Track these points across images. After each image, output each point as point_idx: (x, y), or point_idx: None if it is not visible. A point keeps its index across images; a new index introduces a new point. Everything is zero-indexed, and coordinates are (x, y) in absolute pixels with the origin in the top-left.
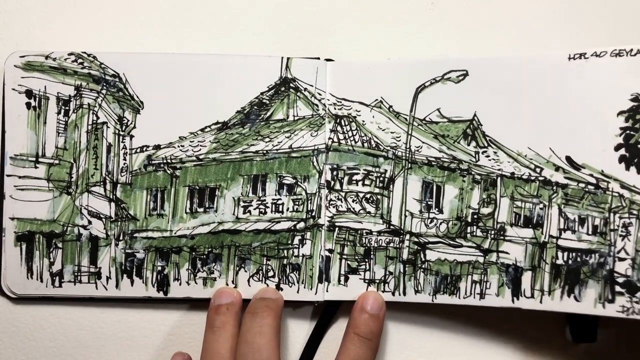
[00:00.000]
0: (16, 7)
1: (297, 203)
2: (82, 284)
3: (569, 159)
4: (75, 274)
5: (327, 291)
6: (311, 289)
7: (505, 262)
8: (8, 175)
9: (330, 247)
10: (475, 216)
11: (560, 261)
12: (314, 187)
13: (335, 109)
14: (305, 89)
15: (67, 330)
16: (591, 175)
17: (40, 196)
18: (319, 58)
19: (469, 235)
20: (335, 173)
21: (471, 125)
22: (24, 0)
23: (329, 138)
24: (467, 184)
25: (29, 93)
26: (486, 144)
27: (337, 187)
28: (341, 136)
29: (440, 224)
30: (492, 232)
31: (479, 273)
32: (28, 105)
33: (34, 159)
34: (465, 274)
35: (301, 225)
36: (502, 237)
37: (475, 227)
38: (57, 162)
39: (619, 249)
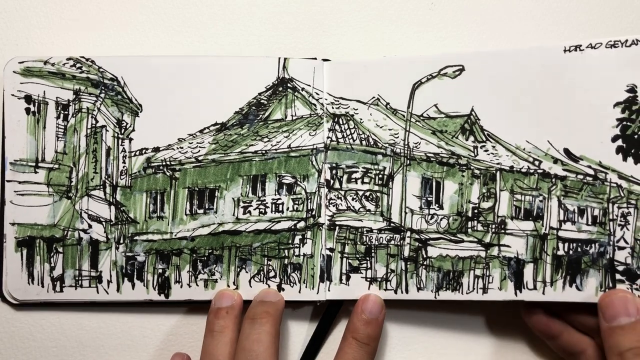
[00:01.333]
0: (14, 13)
1: (297, 202)
2: (83, 288)
3: (567, 151)
4: (76, 278)
5: (328, 290)
6: (313, 288)
7: (507, 256)
8: (8, 181)
9: (331, 246)
10: (476, 211)
11: (561, 252)
12: (314, 186)
13: (333, 108)
14: (303, 89)
15: (67, 332)
16: (589, 166)
17: (40, 201)
18: (316, 58)
19: (470, 230)
20: (334, 172)
21: (469, 120)
22: (22, 7)
23: (328, 137)
24: (467, 178)
25: (28, 98)
26: (484, 139)
27: (337, 185)
28: (339, 135)
29: (441, 219)
30: (493, 226)
31: (481, 267)
32: (27, 110)
33: (33, 164)
34: (468, 269)
35: (301, 224)
36: (503, 231)
37: (476, 222)
38: (56, 166)
39: (619, 238)
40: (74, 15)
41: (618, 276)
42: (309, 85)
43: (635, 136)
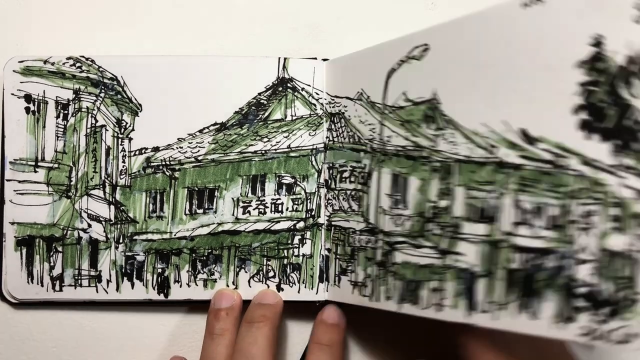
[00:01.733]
0: (14, 13)
1: (296, 203)
2: (83, 288)
3: (524, 133)
4: (76, 277)
5: (327, 291)
6: (312, 288)
7: (461, 266)
8: (8, 180)
9: (328, 246)
10: (434, 211)
11: (515, 265)
12: (313, 187)
13: (330, 107)
14: (303, 89)
15: (67, 331)
16: (547, 150)
17: (40, 200)
18: (316, 58)
19: (427, 233)
20: (330, 172)
21: (430, 106)
22: (22, 7)
23: (326, 137)
24: (428, 173)
25: (27, 98)
26: (444, 125)
27: (333, 185)
28: (334, 134)
29: (405, 220)
30: (448, 229)
31: (437, 279)
32: (27, 109)
33: (33, 163)
34: (425, 280)
35: (301, 224)
36: (457, 235)
37: (434, 224)
38: (56, 165)
39: (580, 248)
40: (74, 15)
41: (578, 302)
42: (309, 85)
43: (603, 104)
